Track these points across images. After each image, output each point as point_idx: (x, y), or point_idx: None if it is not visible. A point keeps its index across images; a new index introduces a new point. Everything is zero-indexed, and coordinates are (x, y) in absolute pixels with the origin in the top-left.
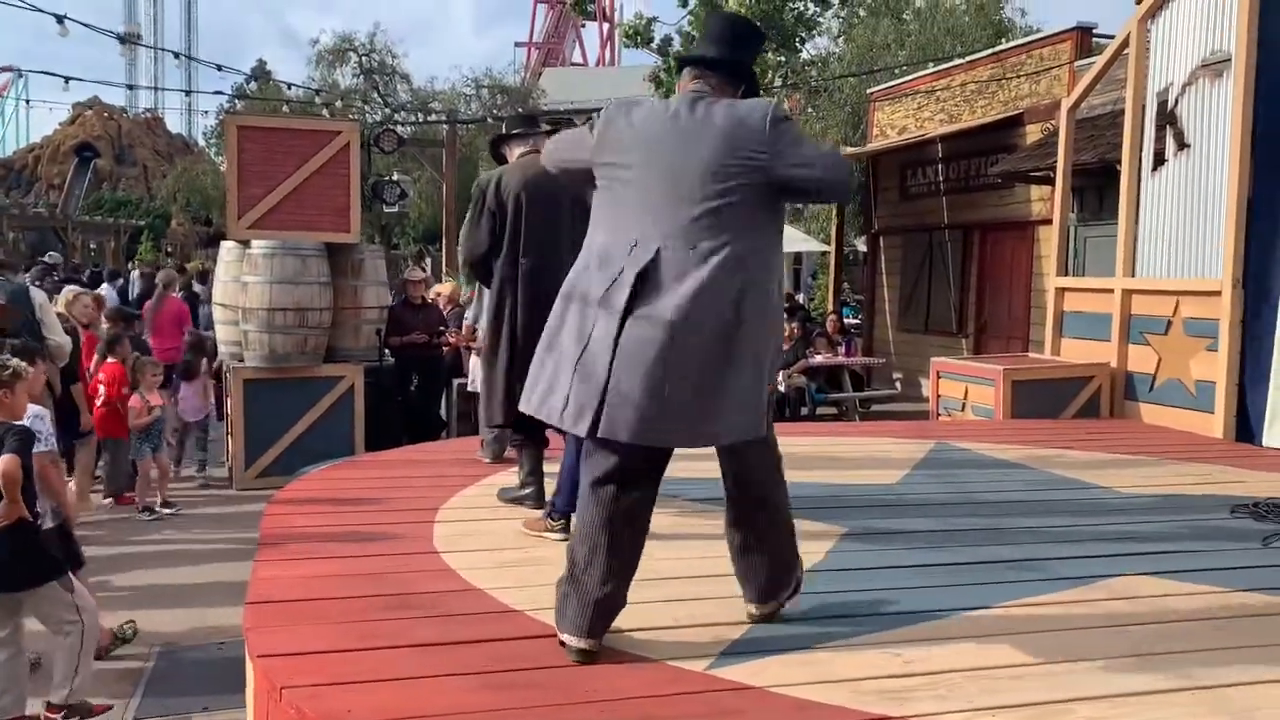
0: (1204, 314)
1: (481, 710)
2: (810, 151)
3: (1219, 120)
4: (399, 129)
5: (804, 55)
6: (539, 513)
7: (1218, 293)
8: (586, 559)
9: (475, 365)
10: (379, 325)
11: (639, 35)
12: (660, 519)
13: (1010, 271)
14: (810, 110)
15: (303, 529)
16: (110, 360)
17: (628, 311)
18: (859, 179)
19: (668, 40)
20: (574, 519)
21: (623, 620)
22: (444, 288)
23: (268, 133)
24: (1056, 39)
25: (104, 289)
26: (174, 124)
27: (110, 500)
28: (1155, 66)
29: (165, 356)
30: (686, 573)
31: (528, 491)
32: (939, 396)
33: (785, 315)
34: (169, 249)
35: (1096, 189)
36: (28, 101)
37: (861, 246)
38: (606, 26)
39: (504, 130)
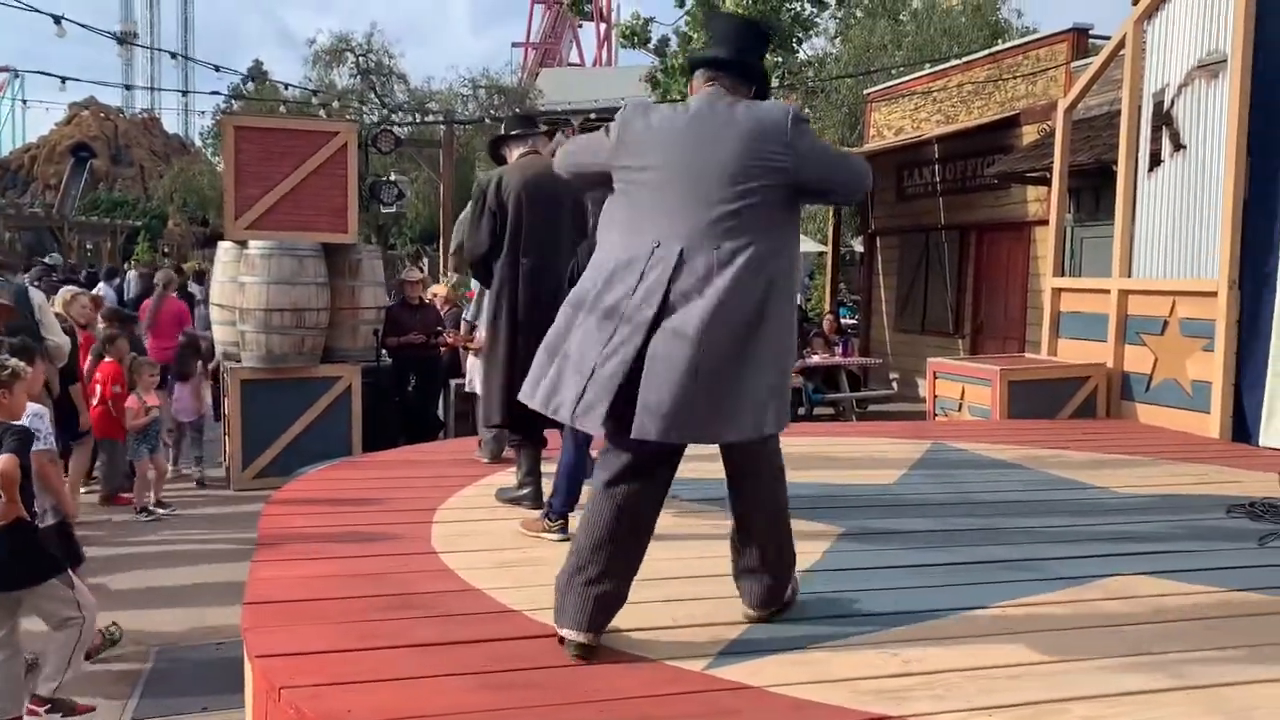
0: (1200, 314)
1: (480, 710)
2: (830, 155)
3: (1215, 121)
4: (396, 129)
5: (801, 56)
6: (537, 513)
7: (1214, 293)
8: (591, 554)
9: (473, 365)
10: (376, 326)
11: (636, 36)
12: (659, 519)
13: (1007, 272)
14: (807, 111)
15: (301, 529)
16: (106, 360)
17: (657, 317)
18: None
19: (665, 41)
20: (579, 515)
21: (621, 620)
22: (440, 288)
23: (265, 133)
24: (1053, 40)
25: (101, 288)
26: (170, 124)
27: (99, 500)
28: (1151, 67)
29: (163, 357)
30: (685, 573)
31: (525, 492)
32: (935, 397)
33: None
34: (165, 249)
35: (1093, 190)
36: (24, 102)
37: (858, 247)
38: (604, 27)
39: (503, 131)
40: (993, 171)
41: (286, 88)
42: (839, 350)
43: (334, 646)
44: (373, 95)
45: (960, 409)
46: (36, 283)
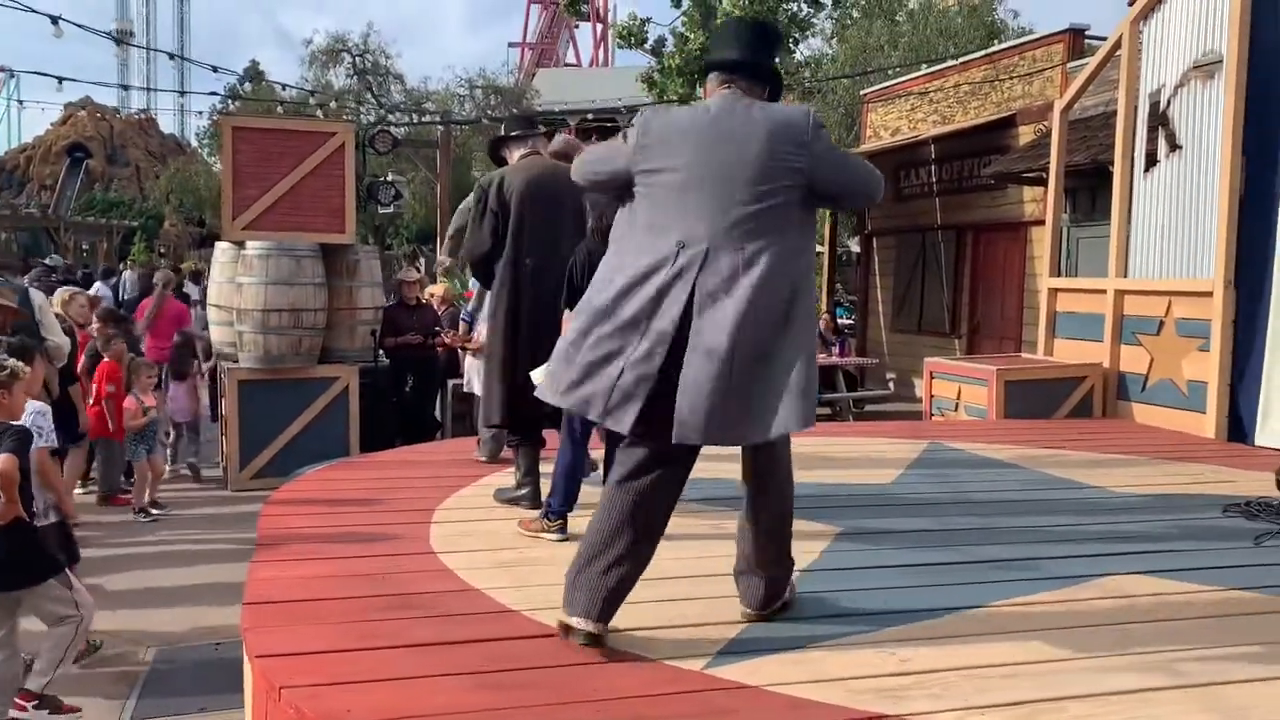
0: (1196, 314)
1: (479, 710)
2: (847, 160)
3: (1211, 121)
4: (393, 130)
5: (797, 56)
6: (535, 513)
7: (1209, 293)
8: (605, 546)
9: (471, 366)
10: (374, 326)
11: (633, 36)
12: None
13: (1003, 272)
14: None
15: (300, 530)
16: (105, 360)
17: (685, 318)
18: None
19: (661, 41)
20: (577, 515)
21: (619, 620)
22: (438, 288)
23: (263, 134)
24: (1049, 40)
25: (98, 287)
26: (166, 125)
27: (96, 500)
28: (1147, 68)
29: (161, 357)
30: (683, 573)
31: (524, 492)
32: (932, 397)
33: None
34: (162, 250)
35: (1089, 190)
36: (20, 102)
37: (855, 247)
38: (600, 27)
39: (503, 132)
40: (989, 172)
41: (284, 88)
42: (836, 350)
43: (333, 646)
44: (369, 95)
45: (957, 409)
46: (35, 284)
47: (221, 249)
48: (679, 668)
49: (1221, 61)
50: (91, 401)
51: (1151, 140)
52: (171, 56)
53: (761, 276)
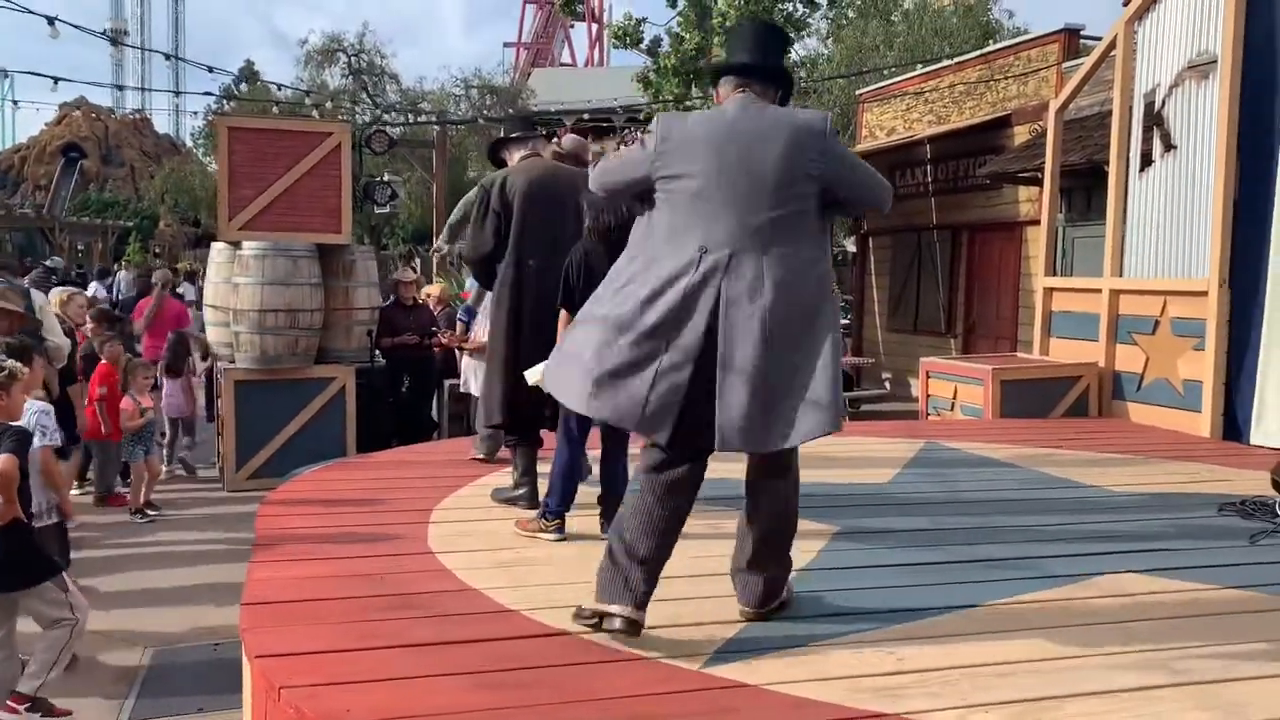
0: (1191, 314)
1: (478, 709)
2: (861, 166)
3: (1205, 121)
4: (389, 130)
5: (793, 56)
6: (532, 513)
7: (1204, 293)
8: (640, 536)
9: (468, 366)
10: (370, 326)
11: (628, 36)
12: None
13: (999, 272)
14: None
15: (298, 530)
16: (102, 362)
17: (712, 325)
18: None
19: (657, 41)
20: (574, 515)
21: None
22: (434, 288)
23: (259, 134)
24: (1044, 40)
25: (94, 288)
26: (161, 125)
27: (93, 501)
28: (1142, 68)
29: (159, 357)
30: (681, 572)
31: (521, 492)
32: (928, 396)
33: None
34: (157, 250)
35: (1084, 190)
36: (15, 102)
37: (850, 247)
38: (595, 27)
39: (502, 134)
40: (985, 172)
41: (280, 88)
42: None
43: (333, 646)
44: (365, 95)
45: (953, 408)
46: (35, 286)
47: (218, 249)
48: (677, 666)
49: (1216, 62)
50: (86, 403)
51: (1146, 140)
52: (168, 57)
53: (787, 281)
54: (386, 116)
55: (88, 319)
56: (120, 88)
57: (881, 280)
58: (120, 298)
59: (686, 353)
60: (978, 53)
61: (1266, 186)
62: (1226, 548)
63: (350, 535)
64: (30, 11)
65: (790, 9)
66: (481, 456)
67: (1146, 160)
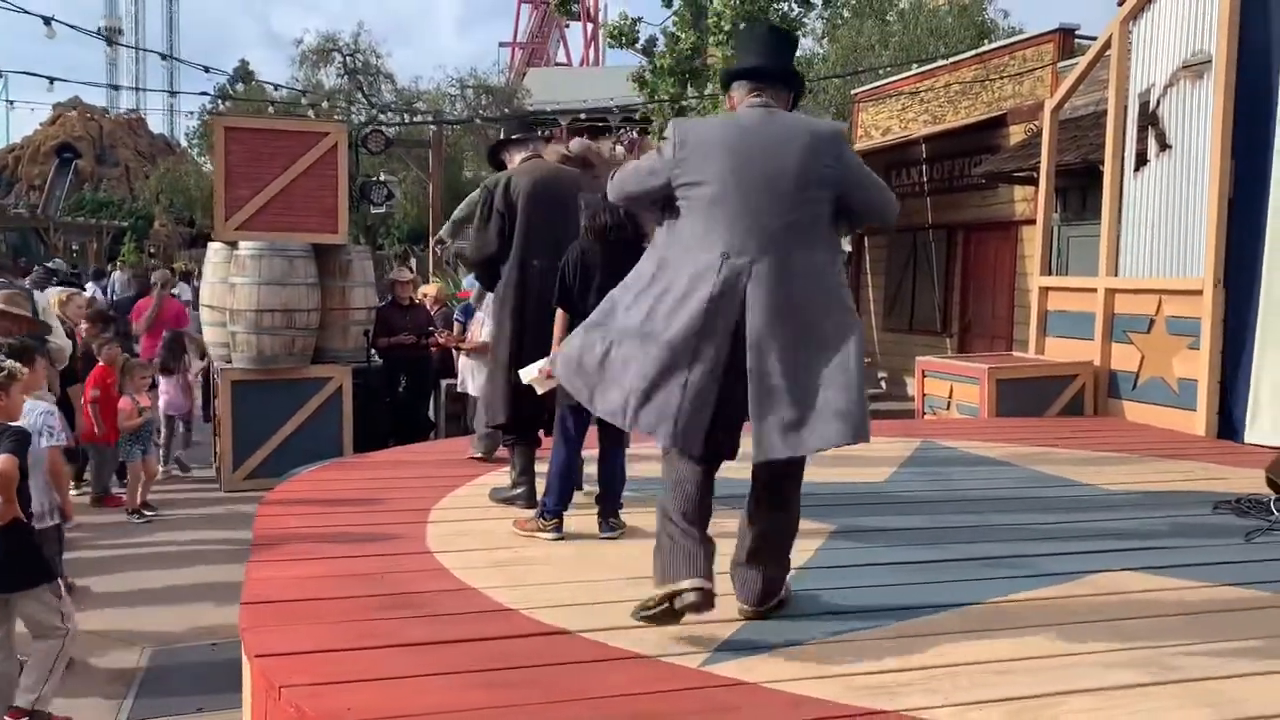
0: (1186, 313)
1: (478, 707)
2: (872, 177)
3: (1200, 121)
4: (384, 129)
5: None
6: (530, 512)
7: (1199, 292)
8: (692, 518)
9: (465, 365)
10: (367, 326)
11: (624, 36)
12: (653, 518)
13: (994, 271)
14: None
15: (296, 530)
16: (100, 364)
17: (738, 330)
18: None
19: (652, 41)
20: (573, 513)
21: (617, 618)
22: (430, 288)
23: (255, 134)
24: (1039, 40)
25: (91, 289)
26: (155, 125)
27: (89, 501)
28: (1137, 68)
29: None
30: None
31: (519, 491)
32: (924, 395)
33: None
34: (152, 250)
35: (1079, 189)
36: (10, 102)
37: (846, 246)
38: (590, 27)
39: (502, 136)
40: (980, 171)
41: (277, 88)
42: None
43: (333, 646)
44: (360, 95)
45: (949, 407)
46: (35, 287)
47: (214, 249)
48: (675, 665)
49: (1211, 61)
50: (83, 404)
51: (1141, 140)
52: (164, 57)
53: (808, 286)
54: (382, 116)
55: (83, 319)
56: (116, 87)
57: (877, 280)
58: (115, 298)
59: (713, 367)
60: (973, 52)
61: (1261, 186)
62: (1222, 546)
63: (349, 535)
64: (26, 12)
65: (786, 8)
66: (479, 455)
67: (1141, 160)
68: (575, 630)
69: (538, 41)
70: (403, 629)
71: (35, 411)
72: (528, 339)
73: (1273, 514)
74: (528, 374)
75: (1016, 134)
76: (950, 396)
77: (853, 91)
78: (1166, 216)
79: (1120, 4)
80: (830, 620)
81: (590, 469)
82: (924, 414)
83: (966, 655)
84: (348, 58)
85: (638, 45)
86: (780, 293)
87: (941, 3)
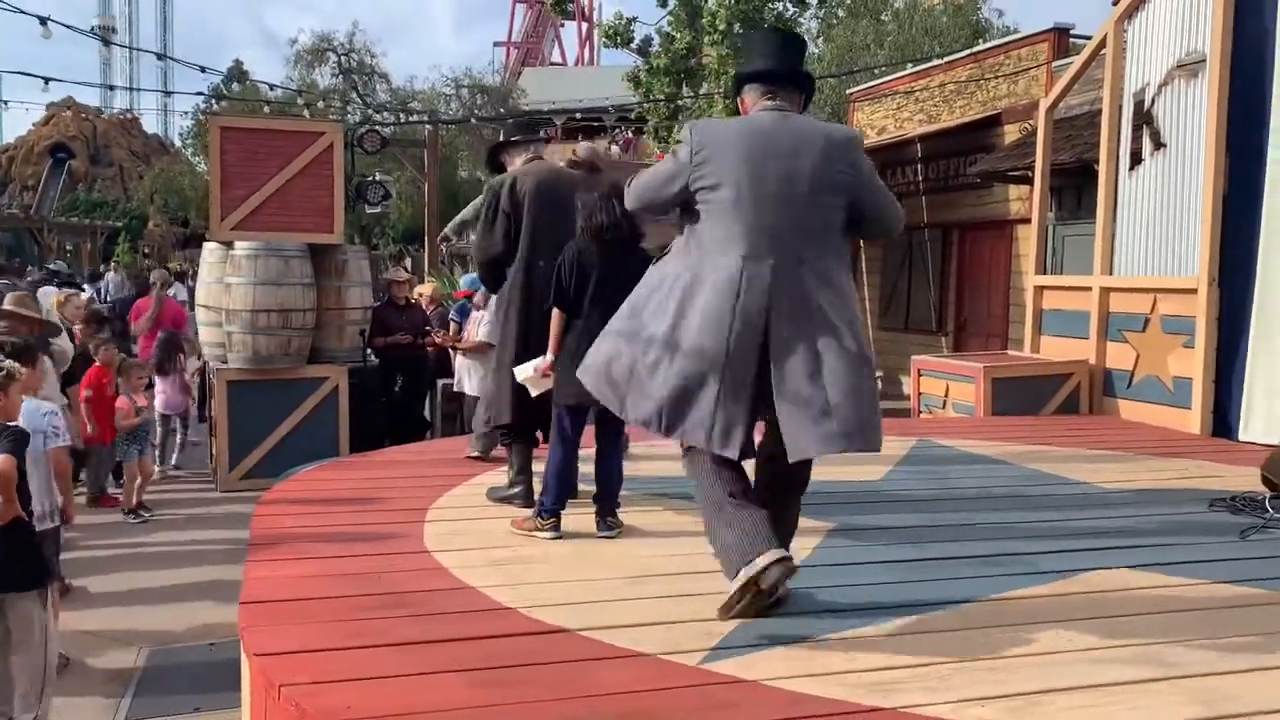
0: (1181, 311)
1: (477, 706)
2: (882, 185)
3: (1195, 120)
4: (380, 129)
5: None
6: (528, 512)
7: (1194, 290)
8: (731, 495)
9: (461, 365)
10: (363, 326)
11: (619, 35)
12: (650, 517)
13: (989, 270)
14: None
15: (294, 529)
16: (93, 365)
17: (766, 334)
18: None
19: (647, 40)
20: (571, 512)
21: (615, 616)
22: (426, 288)
23: (251, 134)
24: (1034, 40)
25: (88, 290)
26: (149, 124)
27: (85, 502)
28: (1132, 67)
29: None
30: (677, 569)
31: (517, 490)
32: (920, 394)
33: None
34: (146, 250)
35: (1074, 188)
36: (5, 103)
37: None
38: (585, 26)
39: (502, 138)
40: (975, 171)
41: (272, 88)
42: None
43: (331, 644)
44: (355, 95)
45: (945, 406)
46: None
47: (210, 249)
48: (673, 663)
49: (1205, 60)
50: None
51: (1136, 139)
52: (160, 57)
53: (830, 290)
54: (377, 116)
55: (79, 320)
56: (110, 88)
57: (872, 279)
58: (110, 300)
59: (743, 373)
60: (968, 52)
61: (1255, 184)
62: (1217, 543)
63: (347, 534)
64: (22, 11)
65: (780, 8)
66: (477, 454)
67: (1136, 159)
68: (574, 628)
69: (533, 41)
70: (401, 627)
71: (40, 411)
72: (533, 340)
73: (1267, 512)
74: (522, 373)
75: (1011, 133)
76: (946, 395)
77: (848, 91)
78: (1161, 215)
79: (1115, 3)
80: (828, 618)
81: (587, 469)
82: (920, 413)
83: (964, 652)
84: (343, 57)
85: (633, 45)
86: (799, 295)
87: (936, 2)
